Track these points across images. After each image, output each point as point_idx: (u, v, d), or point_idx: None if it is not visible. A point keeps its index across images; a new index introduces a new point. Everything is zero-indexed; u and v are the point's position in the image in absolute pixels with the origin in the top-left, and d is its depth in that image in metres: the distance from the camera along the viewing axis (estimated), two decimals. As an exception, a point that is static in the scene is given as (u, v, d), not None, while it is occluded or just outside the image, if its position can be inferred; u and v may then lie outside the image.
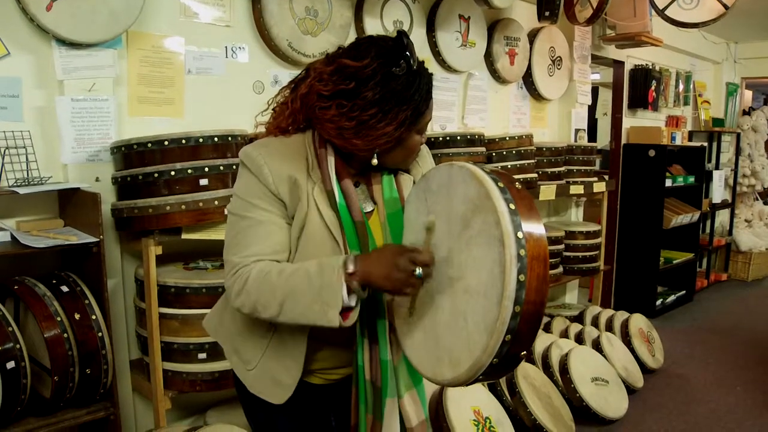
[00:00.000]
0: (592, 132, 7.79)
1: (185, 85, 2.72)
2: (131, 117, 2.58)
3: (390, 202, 1.45)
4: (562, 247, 4.19)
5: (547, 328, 4.02)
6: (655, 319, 5.17)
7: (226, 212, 1.44)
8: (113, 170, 2.40)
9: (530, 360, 3.55)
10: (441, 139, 3.36)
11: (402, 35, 1.34)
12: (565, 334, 3.95)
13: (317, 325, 1.28)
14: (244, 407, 1.64)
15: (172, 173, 2.22)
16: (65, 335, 2.02)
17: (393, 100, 1.29)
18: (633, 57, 5.32)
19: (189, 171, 2.23)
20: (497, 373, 1.23)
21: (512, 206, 1.16)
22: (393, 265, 1.24)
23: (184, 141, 2.24)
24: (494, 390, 3.18)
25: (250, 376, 1.51)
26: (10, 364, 1.91)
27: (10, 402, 1.96)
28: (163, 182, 2.23)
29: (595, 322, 4.24)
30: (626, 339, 4.08)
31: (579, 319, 4.31)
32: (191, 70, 2.74)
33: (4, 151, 2.20)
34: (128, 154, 2.29)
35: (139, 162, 2.27)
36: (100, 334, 2.10)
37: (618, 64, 5.29)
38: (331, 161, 1.39)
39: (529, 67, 4.24)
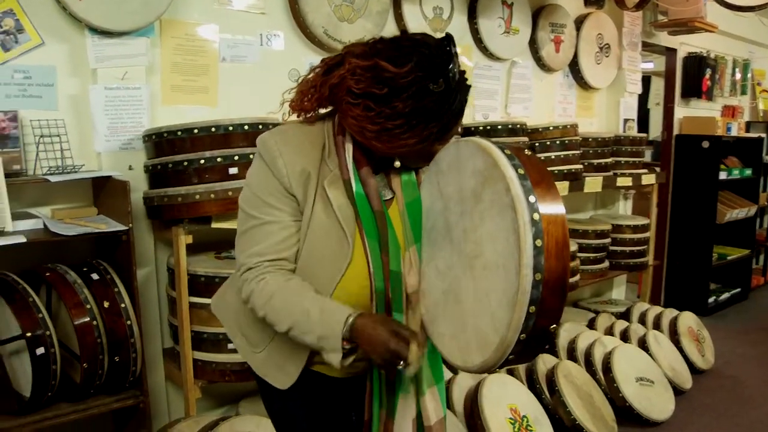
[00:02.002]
0: (644, 122, 7.55)
1: (219, 73, 2.70)
2: (165, 105, 2.57)
3: (408, 190, 1.40)
4: (608, 241, 4.04)
5: (592, 325, 3.88)
6: (707, 317, 4.96)
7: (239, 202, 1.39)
8: (145, 159, 2.39)
9: (572, 358, 3.44)
10: (482, 128, 3.27)
11: (448, 42, 1.25)
12: (610, 332, 3.81)
13: None
14: (262, 396, 1.62)
15: (202, 162, 2.20)
16: (94, 323, 2.03)
17: (422, 116, 1.23)
18: (687, 44, 5.09)
19: (218, 159, 2.20)
20: (528, 351, 1.17)
21: (521, 171, 1.12)
22: (385, 348, 1.21)
23: (213, 129, 2.22)
24: (533, 388, 3.09)
25: (257, 358, 1.49)
26: (40, 350, 1.92)
27: (41, 387, 1.97)
28: (192, 171, 2.21)
29: (642, 320, 4.08)
30: (674, 338, 3.91)
31: (626, 316, 4.15)
32: (225, 58, 2.72)
33: (39, 139, 2.22)
34: (159, 142, 2.28)
35: (170, 150, 2.26)
36: (128, 322, 2.10)
37: (670, 52, 5.07)
38: (349, 149, 1.35)
39: (576, 55, 4.09)
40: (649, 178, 4.16)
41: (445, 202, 1.30)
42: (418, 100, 1.21)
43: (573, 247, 3.71)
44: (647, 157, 6.35)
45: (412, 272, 1.38)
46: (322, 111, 1.41)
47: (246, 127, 2.26)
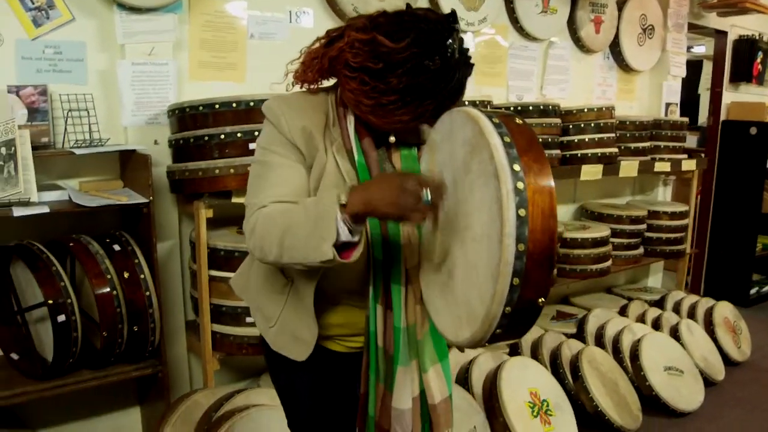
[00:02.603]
0: (693, 107, 7.31)
1: (247, 50, 2.72)
2: (192, 81, 2.61)
3: (408, 164, 1.39)
4: (643, 227, 3.94)
5: (623, 312, 3.81)
6: (747, 308, 4.81)
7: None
8: (170, 133, 2.43)
9: (600, 344, 3.38)
10: (512, 109, 3.21)
11: (450, 19, 1.23)
12: (642, 319, 3.73)
13: (316, 265, 1.19)
14: (269, 371, 1.64)
15: (222, 137, 2.22)
16: (114, 293, 2.09)
17: (416, 93, 1.21)
18: (738, 26, 4.87)
19: (239, 135, 2.22)
20: (516, 325, 1.13)
21: (507, 139, 1.08)
22: (398, 188, 1.13)
23: (234, 105, 2.24)
24: (556, 373, 3.05)
25: (271, 333, 1.51)
26: (61, 318, 1.99)
27: (63, 353, 2.04)
28: (213, 145, 2.24)
29: (676, 309, 3.98)
30: (709, 328, 3.80)
31: (660, 304, 4.05)
32: (254, 35, 2.73)
33: (67, 113, 2.27)
34: (182, 117, 2.31)
35: (192, 125, 2.29)
36: (147, 293, 2.15)
37: (720, 34, 4.87)
38: (351, 120, 1.35)
39: (617, 36, 3.97)
40: (689, 164, 4.03)
41: (440, 175, 1.29)
42: (413, 77, 1.20)
43: (605, 231, 3.64)
44: (694, 143, 6.17)
45: (409, 246, 1.37)
46: (326, 84, 1.41)
47: (267, 103, 2.27)
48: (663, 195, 4.60)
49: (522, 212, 1.04)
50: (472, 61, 1.28)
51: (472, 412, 2.59)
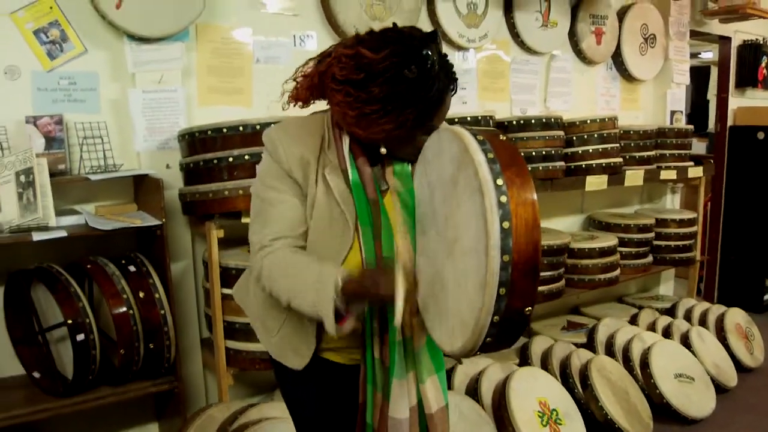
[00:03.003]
0: (703, 113, 7.31)
1: (253, 74, 2.81)
2: (202, 107, 2.70)
3: (402, 180, 1.45)
4: (651, 235, 3.97)
5: (633, 321, 3.83)
6: (762, 314, 4.80)
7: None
8: (180, 157, 2.52)
9: (610, 353, 3.41)
10: (515, 123, 3.27)
11: (433, 36, 1.32)
12: (652, 328, 3.75)
13: None
14: (277, 380, 1.70)
15: (230, 159, 2.31)
16: (131, 312, 2.17)
17: (397, 102, 1.28)
18: (741, 32, 4.91)
19: (246, 157, 2.31)
20: (505, 334, 1.18)
21: (490, 155, 1.14)
22: (372, 298, 1.30)
23: (241, 128, 2.32)
24: (566, 382, 3.08)
25: (272, 343, 1.58)
26: (80, 337, 2.07)
27: (82, 371, 2.13)
28: (222, 168, 2.33)
29: (687, 316, 3.99)
30: (721, 334, 3.81)
31: (671, 312, 4.06)
32: (259, 60, 2.83)
33: (83, 140, 2.38)
34: (192, 141, 2.40)
35: (202, 149, 2.38)
36: (162, 311, 2.23)
37: (724, 40, 4.91)
38: (346, 140, 1.41)
39: (619, 47, 4.03)
40: (696, 171, 4.06)
41: (431, 191, 1.35)
42: (393, 86, 1.27)
43: (613, 241, 3.67)
44: (703, 149, 6.18)
45: (406, 260, 1.43)
46: (322, 106, 1.48)
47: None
48: (671, 203, 4.62)
49: (506, 225, 1.09)
50: (456, 76, 1.35)
51: (481, 423, 2.63)
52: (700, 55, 7.85)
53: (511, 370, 2.90)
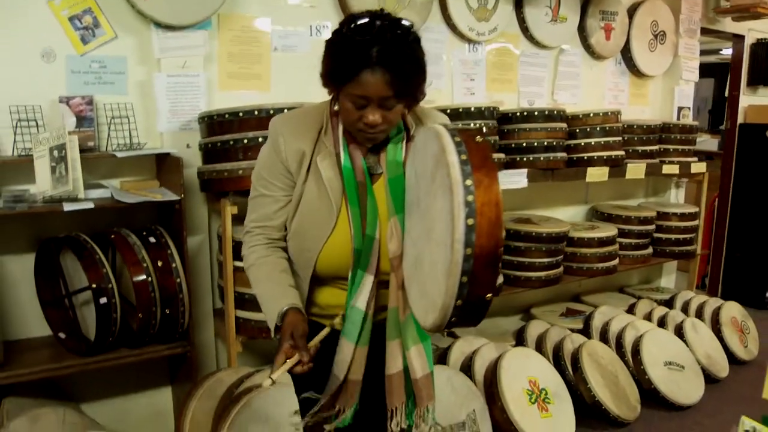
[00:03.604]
0: (719, 110, 7.35)
1: (272, 61, 2.98)
2: (222, 91, 2.87)
3: (392, 167, 1.57)
4: (652, 227, 4.09)
5: (631, 310, 3.96)
6: (765, 311, 4.90)
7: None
8: (200, 138, 2.70)
9: (604, 339, 3.55)
10: (519, 114, 3.40)
11: (371, 14, 1.44)
12: (648, 317, 3.88)
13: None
14: None
15: (245, 141, 2.48)
16: (149, 279, 2.36)
17: (326, 51, 1.46)
18: (755, 30, 4.96)
19: (260, 139, 2.47)
20: (468, 315, 1.33)
21: (464, 156, 1.26)
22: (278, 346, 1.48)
23: (256, 112, 2.49)
24: (558, 364, 3.24)
25: None
26: (103, 300, 2.27)
27: (104, 332, 2.33)
28: (237, 149, 2.50)
29: (685, 308, 4.11)
30: (716, 327, 3.93)
31: (669, 303, 4.19)
32: (277, 48, 2.99)
33: (111, 120, 2.56)
34: (210, 123, 2.58)
35: (219, 131, 2.55)
36: (178, 280, 2.42)
37: (737, 38, 4.97)
38: (340, 127, 1.56)
39: (628, 42, 4.12)
40: (699, 167, 4.15)
41: (417, 180, 1.49)
42: (329, 41, 1.46)
43: (612, 231, 3.80)
44: (714, 146, 6.24)
45: (393, 239, 1.56)
46: None
47: (285, 111, 2.51)
48: (675, 197, 4.72)
49: (470, 221, 1.22)
50: (382, 62, 1.38)
51: (471, 397, 2.80)
52: (721, 52, 7.87)
53: (504, 350, 3.06)
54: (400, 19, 1.44)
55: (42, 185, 2.24)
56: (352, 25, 1.41)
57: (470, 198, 1.23)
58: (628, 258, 4.01)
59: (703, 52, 4.72)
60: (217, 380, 2.54)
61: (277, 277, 1.59)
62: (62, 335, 2.47)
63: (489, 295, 1.30)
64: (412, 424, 1.73)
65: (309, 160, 1.56)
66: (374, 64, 1.38)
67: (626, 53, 4.18)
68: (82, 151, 2.37)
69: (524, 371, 2.98)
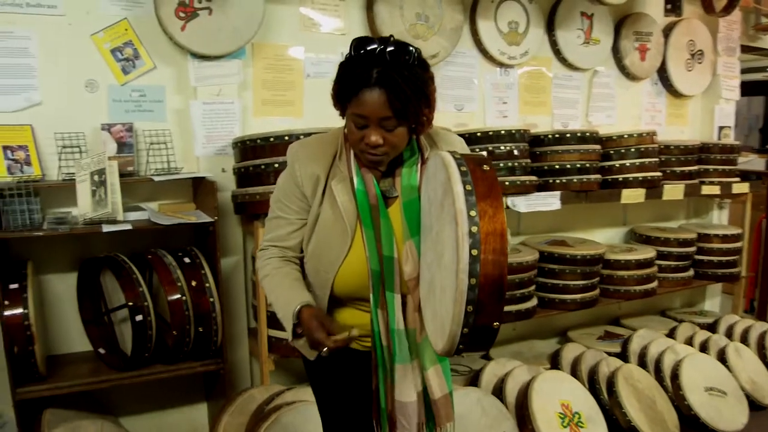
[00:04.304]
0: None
1: (304, 88, 3.07)
2: (256, 117, 2.98)
3: (407, 191, 1.62)
4: (692, 249, 4.01)
5: (671, 334, 3.87)
6: (815, 335, 4.70)
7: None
8: (234, 162, 2.80)
9: (642, 363, 3.48)
10: (551, 136, 3.41)
11: (380, 39, 1.49)
12: (690, 342, 3.78)
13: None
14: (305, 368, 1.90)
15: (276, 165, 2.56)
16: (183, 298, 2.45)
17: (337, 73, 1.54)
18: (801, 47, 4.86)
19: (290, 164, 2.55)
20: (475, 343, 1.34)
21: (468, 187, 1.28)
22: (309, 336, 1.53)
23: (287, 138, 2.58)
24: (593, 388, 3.19)
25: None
26: (139, 317, 2.36)
27: (139, 348, 2.42)
28: (269, 173, 2.59)
29: (729, 332, 3.99)
30: (761, 351, 3.80)
31: (713, 327, 4.07)
32: (310, 75, 3.09)
33: (149, 146, 2.69)
34: (243, 148, 2.68)
35: (252, 155, 2.65)
36: (211, 299, 2.51)
37: (782, 56, 4.88)
38: (352, 152, 1.62)
39: (664, 62, 4.09)
40: (741, 187, 4.06)
41: (430, 205, 1.52)
42: (339, 64, 1.53)
43: (650, 253, 3.74)
44: (762, 165, 6.06)
45: (409, 262, 1.60)
46: None
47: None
48: (718, 218, 4.62)
49: (474, 252, 1.24)
50: (382, 83, 1.43)
51: (502, 419, 2.78)
52: (768, 70, 7.68)
53: (537, 372, 3.04)
54: (406, 45, 1.48)
55: (83, 208, 2.36)
56: (361, 50, 1.48)
57: (474, 229, 1.25)
58: (668, 281, 3.94)
59: (749, 70, 4.64)
60: (249, 397, 2.60)
61: (289, 284, 1.63)
62: (102, 351, 2.57)
63: (496, 323, 1.31)
64: (433, 444, 1.75)
65: (324, 184, 1.62)
66: (373, 84, 1.44)
67: (662, 73, 4.14)
68: (122, 175, 2.49)
69: (557, 394, 2.95)
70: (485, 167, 1.35)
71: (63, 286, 2.64)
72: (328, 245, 1.62)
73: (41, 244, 2.56)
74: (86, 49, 2.61)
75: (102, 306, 2.58)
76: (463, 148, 1.75)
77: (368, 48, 1.47)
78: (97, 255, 2.55)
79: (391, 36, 1.53)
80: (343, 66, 1.52)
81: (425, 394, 1.70)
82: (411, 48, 1.48)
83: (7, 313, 2.20)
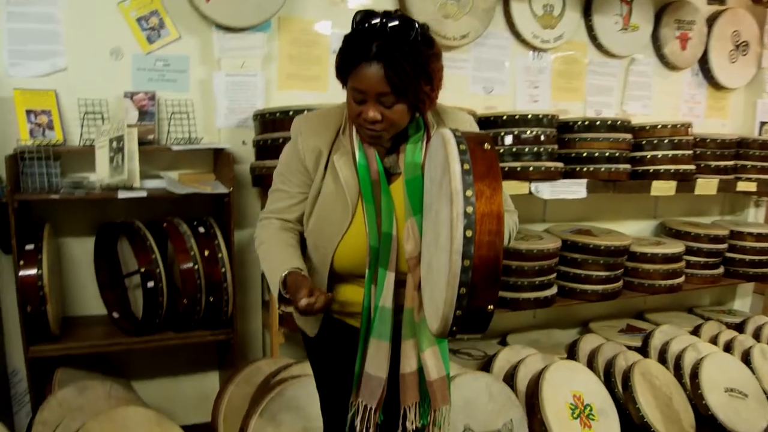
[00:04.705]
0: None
1: (330, 63, 3.05)
2: (281, 91, 2.98)
3: (410, 168, 1.58)
4: (724, 246, 3.88)
5: (696, 332, 3.77)
6: None
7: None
8: (254, 135, 2.81)
9: (663, 360, 3.40)
10: (581, 123, 3.32)
11: (384, 13, 1.47)
12: (714, 340, 3.68)
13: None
14: (304, 344, 1.91)
15: (293, 140, 2.55)
16: (196, 267, 2.48)
17: (340, 46, 1.52)
18: None
19: (307, 138, 2.54)
20: (469, 326, 1.32)
21: (467, 166, 1.24)
22: (292, 298, 1.51)
23: (306, 111, 2.55)
24: (608, 380, 3.14)
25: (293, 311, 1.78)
26: (150, 284, 2.40)
27: (150, 314, 2.46)
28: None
29: (757, 334, 3.87)
30: (790, 355, 3.68)
31: (740, 327, 3.95)
32: (336, 50, 3.05)
33: (171, 115, 2.71)
34: (263, 121, 2.68)
35: (271, 128, 2.64)
36: (223, 269, 2.53)
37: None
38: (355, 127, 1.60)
39: (706, 53, 3.94)
40: (780, 185, 3.91)
41: (431, 184, 1.49)
42: (344, 37, 1.52)
43: (678, 248, 3.64)
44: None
45: (410, 240, 1.58)
46: None
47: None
48: (754, 217, 4.46)
49: (469, 233, 1.21)
50: (380, 56, 1.41)
51: (510, 406, 2.75)
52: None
53: (552, 360, 2.99)
54: (411, 20, 1.44)
55: (101, 173, 2.40)
56: (364, 23, 1.45)
57: (470, 209, 1.22)
58: (696, 277, 3.82)
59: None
60: (256, 368, 2.63)
61: (281, 249, 1.62)
62: (116, 315, 2.62)
63: (490, 307, 1.28)
64: (427, 424, 1.74)
65: (326, 159, 1.60)
66: (372, 58, 1.41)
67: (704, 64, 4.00)
68: (142, 143, 2.52)
69: (569, 385, 2.90)
70: (486, 146, 1.32)
71: (81, 250, 2.70)
72: (329, 219, 1.61)
73: (60, 208, 2.61)
74: (112, 17, 2.63)
75: (118, 271, 2.62)
76: (471, 126, 1.71)
77: (371, 22, 1.44)
78: (114, 221, 2.59)
79: (397, 10, 1.51)
80: (345, 39, 1.49)
81: (421, 375, 1.69)
82: (415, 23, 1.44)
83: (21, 273, 2.26)
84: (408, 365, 1.69)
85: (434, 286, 1.40)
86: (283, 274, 1.54)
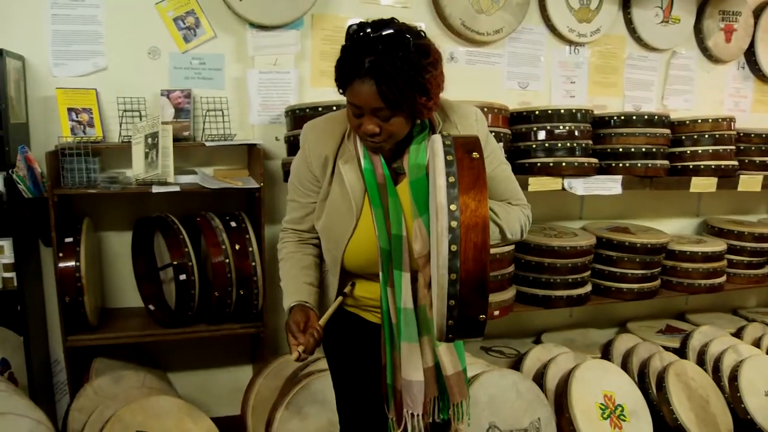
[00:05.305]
0: None
1: (363, 61, 3.07)
2: (314, 87, 3.02)
3: (414, 170, 1.56)
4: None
5: (738, 333, 3.67)
6: None
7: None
8: (285, 131, 2.86)
9: (701, 361, 3.32)
10: (617, 118, 3.26)
11: (378, 22, 1.46)
12: (757, 343, 3.57)
13: None
14: None
15: (323, 136, 2.59)
16: (227, 260, 2.54)
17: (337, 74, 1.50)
18: None
19: (336, 135, 2.57)
20: (462, 333, 1.33)
21: (452, 179, 1.23)
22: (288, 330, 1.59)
23: (334, 108, 2.58)
24: (642, 381, 3.09)
25: None
26: (183, 277, 2.47)
27: (183, 306, 2.53)
28: (316, 144, 2.61)
29: (805, 336, 3.74)
30: (838, 360, 3.55)
31: (788, 330, 3.83)
32: (368, 47, 3.07)
33: (206, 112, 2.78)
34: (294, 117, 2.72)
35: (302, 124, 2.65)
36: (253, 263, 2.58)
37: None
38: None
39: (752, 45, 3.81)
40: (830, 183, 3.76)
41: (430, 188, 1.49)
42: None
43: (720, 247, 3.54)
44: None
45: (418, 240, 1.57)
46: None
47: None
48: (805, 215, 4.30)
49: (454, 247, 1.21)
50: (371, 73, 1.38)
51: (538, 404, 2.73)
52: None
53: (583, 359, 2.96)
54: (403, 31, 1.42)
55: (136, 169, 2.48)
56: (360, 33, 1.44)
57: (454, 224, 1.22)
58: (739, 277, 3.71)
59: None
60: (285, 361, 2.68)
61: (295, 274, 1.70)
62: (151, 307, 2.71)
63: (482, 316, 1.29)
64: (446, 418, 1.76)
65: (333, 164, 1.63)
66: (364, 74, 1.39)
67: (750, 56, 3.87)
68: (177, 140, 2.59)
69: (600, 384, 2.87)
70: (474, 155, 1.30)
71: (120, 244, 2.79)
72: (335, 223, 1.64)
73: (100, 202, 2.71)
74: (150, 17, 2.71)
75: (154, 264, 2.71)
76: (477, 120, 1.67)
77: (363, 33, 1.42)
78: (150, 215, 2.68)
79: (393, 18, 1.48)
80: (341, 51, 1.48)
81: (437, 371, 1.70)
82: (407, 34, 1.41)
83: (61, 264, 2.35)
84: (425, 361, 1.71)
85: (433, 292, 1.41)
86: (289, 308, 1.65)
